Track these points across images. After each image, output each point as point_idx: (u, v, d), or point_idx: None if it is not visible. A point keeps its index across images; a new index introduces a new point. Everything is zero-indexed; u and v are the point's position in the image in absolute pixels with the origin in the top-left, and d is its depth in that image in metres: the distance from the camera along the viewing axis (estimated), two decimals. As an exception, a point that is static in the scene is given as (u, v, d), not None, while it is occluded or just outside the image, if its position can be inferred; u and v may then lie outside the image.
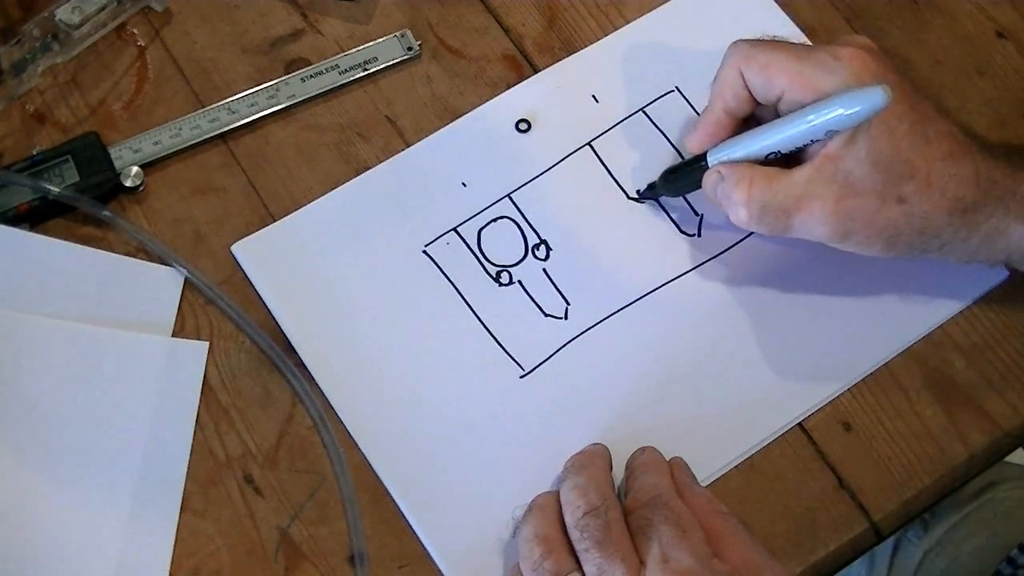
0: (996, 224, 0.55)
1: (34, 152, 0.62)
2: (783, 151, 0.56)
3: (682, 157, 0.64)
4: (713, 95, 0.59)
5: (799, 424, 0.59)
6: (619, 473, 0.56)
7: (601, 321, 0.61)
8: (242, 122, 0.64)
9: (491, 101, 0.65)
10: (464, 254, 0.62)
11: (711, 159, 0.58)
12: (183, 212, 0.63)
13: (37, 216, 0.61)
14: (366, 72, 0.66)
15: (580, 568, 0.50)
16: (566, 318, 0.61)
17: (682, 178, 0.61)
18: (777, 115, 0.57)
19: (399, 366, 0.59)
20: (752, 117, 0.59)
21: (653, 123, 0.65)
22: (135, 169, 0.62)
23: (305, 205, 0.63)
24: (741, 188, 0.55)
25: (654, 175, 0.64)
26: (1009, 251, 0.56)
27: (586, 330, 0.60)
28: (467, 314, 0.61)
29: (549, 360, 0.60)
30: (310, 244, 0.62)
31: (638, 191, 0.64)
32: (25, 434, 0.57)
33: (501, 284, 0.61)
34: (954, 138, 0.55)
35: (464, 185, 0.63)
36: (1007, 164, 0.56)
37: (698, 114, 0.65)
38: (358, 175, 0.64)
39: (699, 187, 0.59)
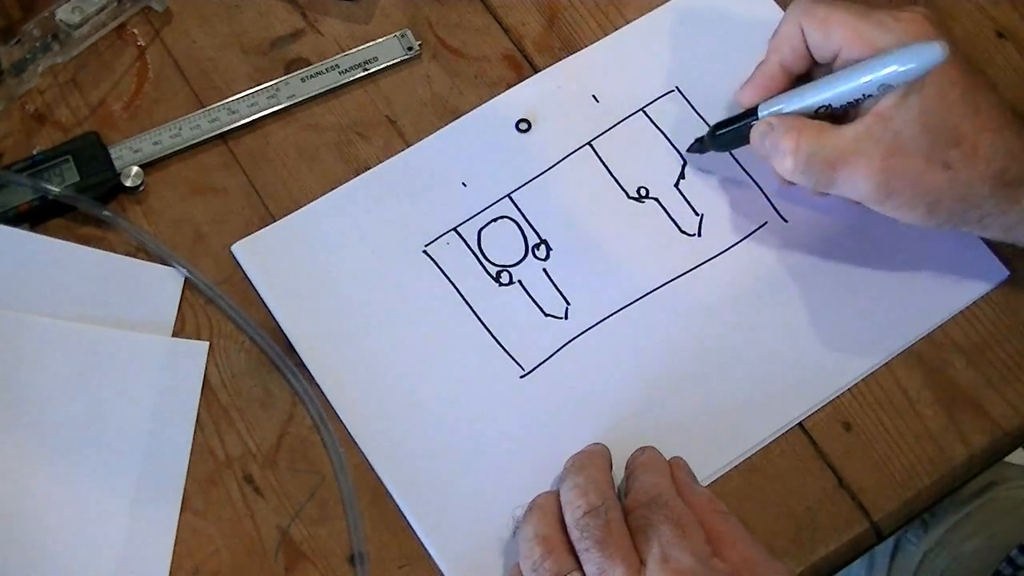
0: None
1: (34, 152, 0.62)
2: (835, 105, 0.56)
3: (682, 158, 0.64)
4: (770, 49, 0.59)
5: (799, 424, 0.59)
6: (619, 473, 0.56)
7: (601, 321, 0.61)
8: (242, 122, 0.64)
9: (491, 101, 0.65)
10: (464, 254, 0.62)
11: (763, 112, 0.58)
12: (183, 212, 0.63)
13: (37, 216, 0.61)
14: (366, 72, 0.66)
15: (580, 568, 0.50)
16: (566, 318, 0.61)
17: (731, 132, 0.60)
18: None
19: (399, 366, 0.59)
20: (804, 77, 0.59)
21: (653, 123, 0.65)
22: (135, 169, 0.62)
23: (305, 205, 0.63)
24: (790, 137, 0.55)
25: (655, 174, 0.64)
26: None
27: (586, 330, 0.60)
28: (467, 314, 0.61)
29: (549, 360, 0.60)
30: (310, 244, 0.62)
31: (688, 147, 0.64)
32: (25, 434, 0.57)
33: (501, 284, 0.61)
34: (1003, 112, 0.55)
35: (464, 185, 0.63)
36: None
37: (699, 114, 0.65)
38: (358, 175, 0.64)
39: (747, 142, 0.59)
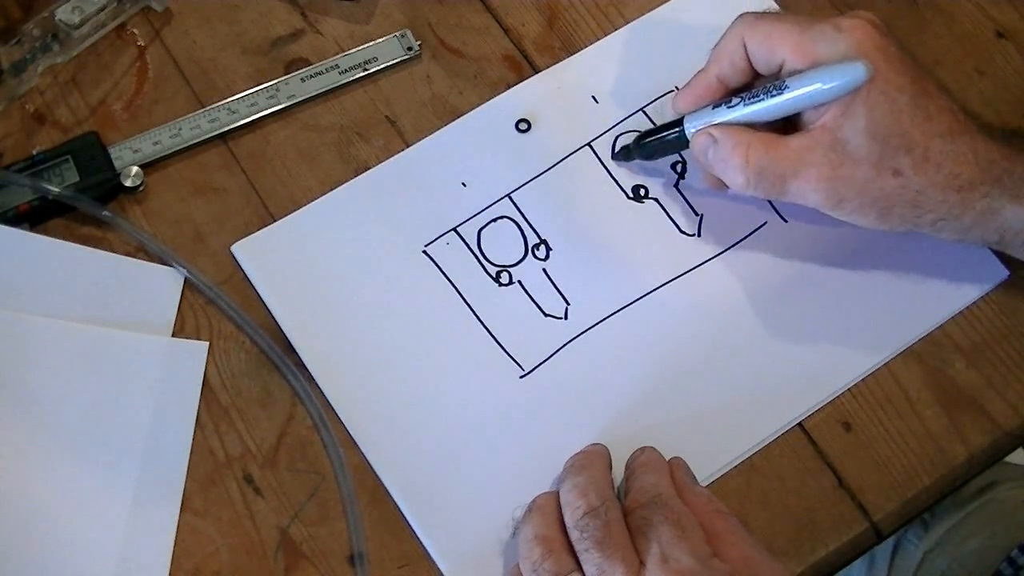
0: (990, 204, 0.55)
1: (34, 152, 0.62)
2: (760, 122, 0.56)
3: (682, 157, 0.64)
4: (710, 60, 0.59)
5: (799, 424, 0.59)
6: (619, 473, 0.56)
7: (601, 321, 0.61)
8: (242, 122, 0.64)
9: (491, 101, 0.65)
10: (464, 254, 0.62)
11: (688, 123, 0.59)
12: (183, 212, 0.63)
13: (37, 216, 0.61)
14: (366, 72, 0.66)
15: (580, 568, 0.50)
16: (566, 318, 0.61)
17: (657, 142, 0.61)
18: None
19: (399, 366, 0.59)
20: (742, 89, 0.59)
21: (653, 123, 0.65)
22: (135, 169, 0.62)
23: (305, 205, 0.63)
24: (739, 153, 0.56)
25: (654, 174, 0.64)
26: (1002, 231, 0.56)
27: (586, 330, 0.60)
28: (467, 314, 0.61)
29: (549, 360, 0.60)
30: (310, 244, 0.62)
31: (613, 154, 0.64)
32: (25, 434, 0.57)
33: (501, 284, 0.61)
34: (954, 115, 0.55)
35: (464, 185, 0.63)
36: (1005, 145, 0.56)
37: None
38: (358, 175, 0.64)
39: (674, 151, 0.61)
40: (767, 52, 0.56)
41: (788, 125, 0.57)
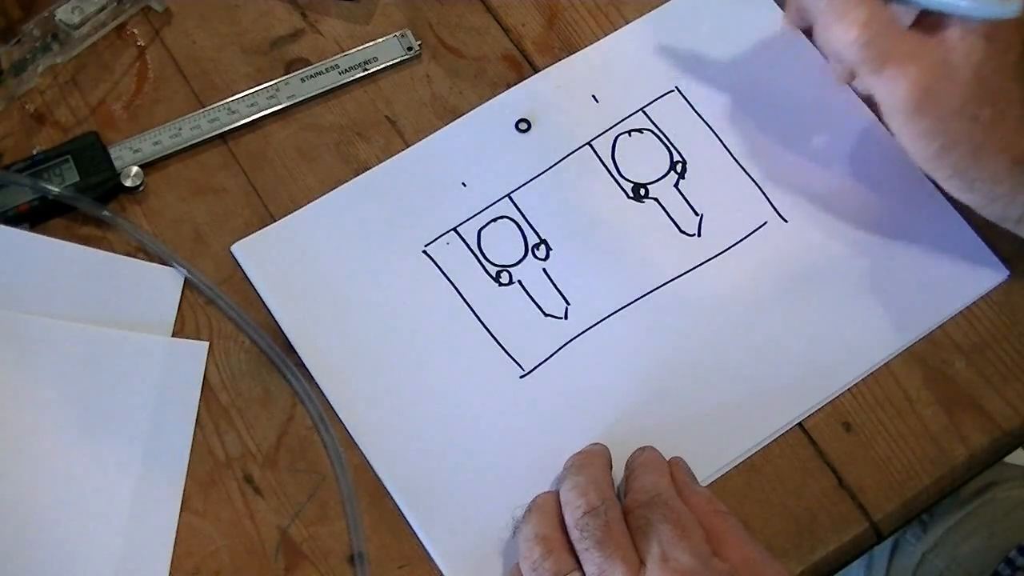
0: None
1: (34, 152, 0.62)
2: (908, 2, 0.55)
3: (682, 157, 0.64)
4: None
5: (799, 424, 0.59)
6: (619, 473, 0.56)
7: (601, 321, 0.61)
8: (242, 122, 0.64)
9: (491, 101, 0.65)
10: (464, 254, 0.62)
11: None
12: (183, 212, 0.63)
13: (37, 216, 0.61)
14: (366, 72, 0.66)
15: (580, 568, 0.50)
16: (566, 318, 0.61)
17: None
18: None
19: (399, 366, 0.59)
20: None
21: (653, 123, 0.65)
22: (135, 169, 0.62)
23: (305, 205, 0.63)
24: (864, 9, 0.54)
25: (655, 174, 0.64)
26: None
27: (586, 330, 0.60)
28: (467, 314, 0.61)
29: (549, 360, 0.60)
30: (310, 244, 0.62)
31: None
32: (25, 434, 0.57)
33: (501, 284, 0.61)
34: None
35: (464, 185, 0.63)
36: None
37: (698, 114, 0.65)
38: (358, 175, 0.64)
39: None
40: None
41: None
